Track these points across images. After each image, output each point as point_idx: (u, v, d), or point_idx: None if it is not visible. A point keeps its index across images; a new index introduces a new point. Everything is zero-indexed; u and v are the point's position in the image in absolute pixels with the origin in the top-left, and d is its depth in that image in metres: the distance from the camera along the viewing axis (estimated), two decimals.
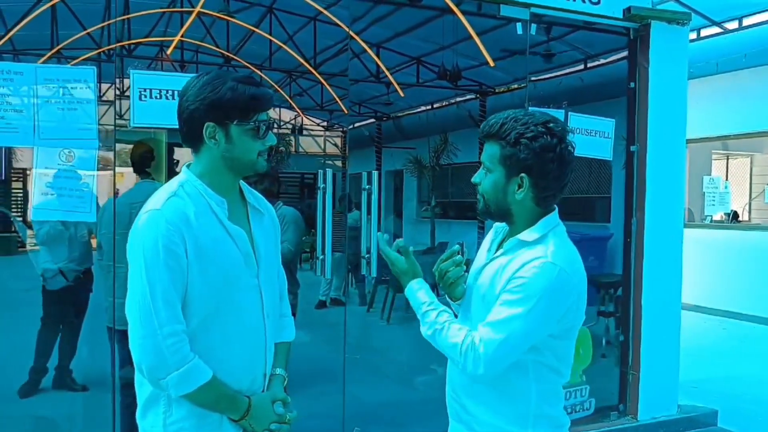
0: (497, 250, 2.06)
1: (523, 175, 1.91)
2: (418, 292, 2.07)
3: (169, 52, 10.63)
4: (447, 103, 14.55)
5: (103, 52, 8.48)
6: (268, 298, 2.05)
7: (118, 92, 6.09)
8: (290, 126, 18.57)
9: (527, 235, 1.95)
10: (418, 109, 15.68)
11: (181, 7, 10.36)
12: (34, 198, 3.29)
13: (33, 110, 3.25)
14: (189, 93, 1.92)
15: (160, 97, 3.38)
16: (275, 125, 2.05)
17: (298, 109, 16.28)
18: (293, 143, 18.42)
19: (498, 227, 2.14)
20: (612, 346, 5.67)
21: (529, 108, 4.25)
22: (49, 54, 7.25)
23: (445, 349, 1.98)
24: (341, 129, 19.32)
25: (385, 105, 14.86)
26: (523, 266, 1.88)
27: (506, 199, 1.96)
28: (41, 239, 4.72)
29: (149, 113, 3.35)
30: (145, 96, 3.34)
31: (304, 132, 19.02)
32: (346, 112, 13.71)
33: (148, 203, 1.92)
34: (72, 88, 3.32)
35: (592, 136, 4.52)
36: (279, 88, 14.05)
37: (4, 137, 3.23)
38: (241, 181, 2.06)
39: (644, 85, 4.75)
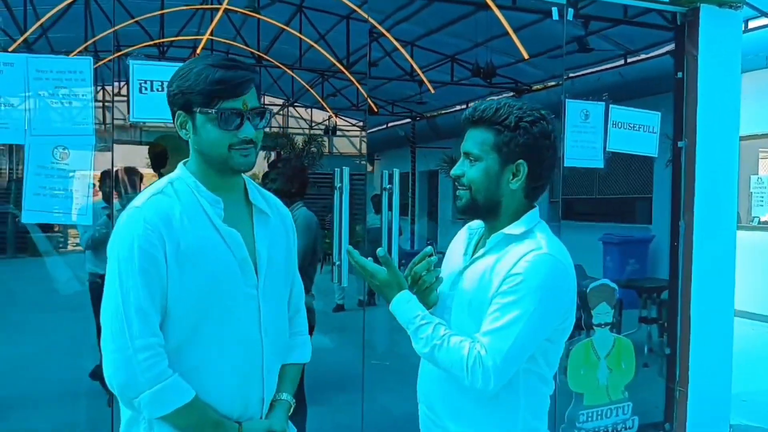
0: (475, 251, 1.92)
1: (520, 161, 1.81)
2: (407, 304, 1.82)
3: (198, 51, 10.51)
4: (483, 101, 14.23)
5: (130, 52, 8.35)
6: (270, 311, 1.79)
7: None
8: (323, 126, 18.51)
9: (513, 228, 1.83)
10: (453, 108, 15.44)
11: (212, 9, 10.21)
12: (26, 199, 3.06)
13: (25, 104, 3.03)
14: (171, 79, 1.75)
15: (162, 90, 3.16)
16: (258, 115, 1.77)
17: (329, 110, 16.10)
18: (327, 144, 18.33)
19: (471, 228, 1.97)
20: (655, 354, 5.32)
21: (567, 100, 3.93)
22: (76, 51, 7.11)
23: (447, 366, 1.75)
24: (363, 129, 19.19)
25: (418, 104, 14.62)
26: (517, 263, 1.75)
27: (499, 189, 1.83)
28: (86, 244, 4.63)
29: (150, 107, 3.13)
30: (146, 88, 3.12)
31: (338, 132, 18.89)
32: (376, 110, 13.47)
33: (132, 201, 1.72)
34: (67, 80, 3.10)
35: (635, 130, 4.16)
36: (310, 88, 13.88)
37: None
38: (248, 178, 1.84)
39: (693, 74, 4.36)
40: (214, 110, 1.67)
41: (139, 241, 1.63)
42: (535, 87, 12.10)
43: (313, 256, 3.65)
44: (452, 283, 1.90)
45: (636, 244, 9.32)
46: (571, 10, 3.88)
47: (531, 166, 1.81)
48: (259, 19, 10.21)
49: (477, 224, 1.98)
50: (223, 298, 1.71)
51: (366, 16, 8.95)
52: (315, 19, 10.59)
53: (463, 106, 14.91)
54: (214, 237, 1.71)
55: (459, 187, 1.86)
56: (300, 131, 18.75)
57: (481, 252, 1.87)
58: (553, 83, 11.11)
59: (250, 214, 1.82)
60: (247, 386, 1.76)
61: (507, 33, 8.73)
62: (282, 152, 16.63)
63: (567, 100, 3.94)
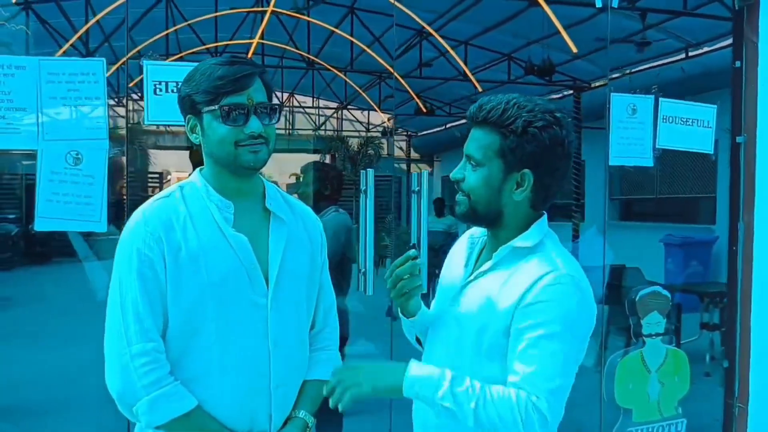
0: (476, 262, 1.73)
1: (525, 171, 1.61)
2: (423, 369, 1.57)
3: (249, 55, 10.56)
4: None
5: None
6: (282, 322, 1.70)
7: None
8: (381, 129, 18.51)
9: (522, 241, 1.64)
10: None
11: (263, 13, 10.22)
12: (39, 206, 2.99)
13: (37, 108, 2.97)
14: (180, 85, 1.73)
15: (177, 91, 3.05)
16: (267, 111, 1.71)
17: (380, 111, 16.01)
18: (385, 146, 18.32)
19: (473, 237, 1.77)
20: (717, 362, 4.97)
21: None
22: (128, 56, 7.17)
23: (495, 422, 1.50)
24: (406, 133, 19.11)
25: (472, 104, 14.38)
26: (534, 285, 1.56)
27: (500, 200, 1.64)
28: None
29: (165, 109, 3.02)
30: (160, 90, 3.02)
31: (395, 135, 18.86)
32: (425, 110, 13.29)
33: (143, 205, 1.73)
34: (80, 83, 3.02)
35: (689, 125, 3.84)
36: (362, 92, 13.81)
37: (5, 139, 2.95)
38: (269, 183, 1.78)
39: (753, 63, 4.01)
40: (217, 106, 1.63)
41: (138, 246, 1.61)
42: (594, 84, 11.75)
43: (342, 261, 3.50)
44: (452, 298, 1.71)
45: (699, 246, 8.91)
46: None
47: (538, 177, 1.61)
48: (309, 22, 10.20)
49: (479, 232, 1.79)
50: (225, 304, 1.64)
51: (415, 16, 8.82)
52: (367, 19, 10.50)
53: None
54: (220, 241, 1.65)
55: (459, 192, 1.68)
56: (356, 134, 18.75)
57: (486, 266, 1.67)
58: (614, 77, 10.74)
59: (267, 220, 1.75)
60: (252, 400, 1.67)
61: (563, 29, 8.48)
62: (336, 155, 16.66)
63: (612, 93, 3.67)
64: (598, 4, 3.65)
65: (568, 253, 1.67)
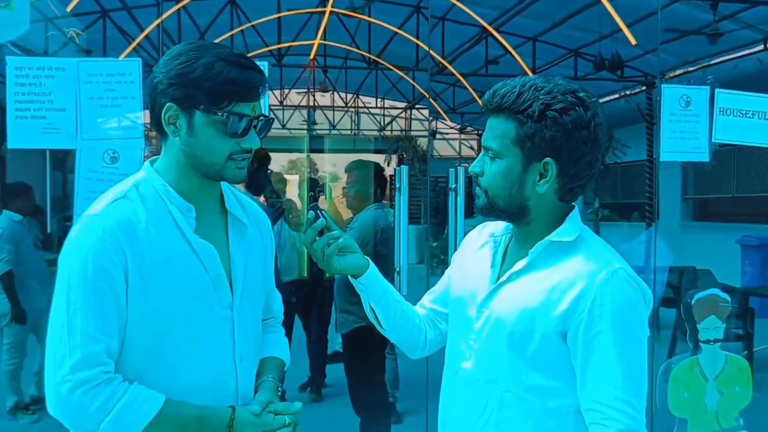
0: (503, 263, 1.57)
1: (548, 160, 1.45)
2: None
3: (311, 56, 10.66)
4: (611, 97, 13.54)
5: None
6: (244, 335, 1.57)
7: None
8: (428, 130, 18.50)
9: (561, 236, 1.48)
10: None
11: (324, 13, 10.30)
12: (77, 204, 3.06)
13: (76, 108, 3.04)
14: (160, 63, 1.49)
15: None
16: (264, 124, 1.56)
17: (441, 111, 15.89)
18: (425, 146, 18.29)
19: (495, 236, 1.61)
20: None
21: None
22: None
23: None
24: (476, 132, 18.85)
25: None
26: (590, 286, 1.42)
27: (522, 193, 1.47)
28: None
29: None
30: None
31: (437, 135, 18.71)
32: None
33: (91, 206, 1.51)
34: (117, 83, 3.08)
35: (748, 117, 3.59)
36: (425, 92, 13.74)
37: (46, 138, 3.03)
38: (224, 183, 1.61)
39: None
40: (222, 113, 1.46)
41: (94, 255, 1.40)
42: (669, 75, 11.30)
43: (375, 258, 3.43)
44: (481, 301, 1.55)
45: None
46: None
47: (562, 165, 1.45)
48: (370, 22, 10.20)
49: (503, 229, 1.63)
50: (192, 320, 1.49)
51: (474, 14, 8.71)
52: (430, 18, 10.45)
53: None
54: (185, 250, 1.49)
55: (477, 186, 1.54)
56: (423, 133, 18.69)
57: (521, 265, 1.51)
58: (687, 70, 10.30)
59: (224, 223, 1.59)
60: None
61: (633, 23, 8.21)
62: (404, 155, 16.63)
63: (663, 85, 3.47)
64: None
65: (611, 247, 1.54)
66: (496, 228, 1.65)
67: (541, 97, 1.43)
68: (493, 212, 1.53)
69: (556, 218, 1.51)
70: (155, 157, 1.60)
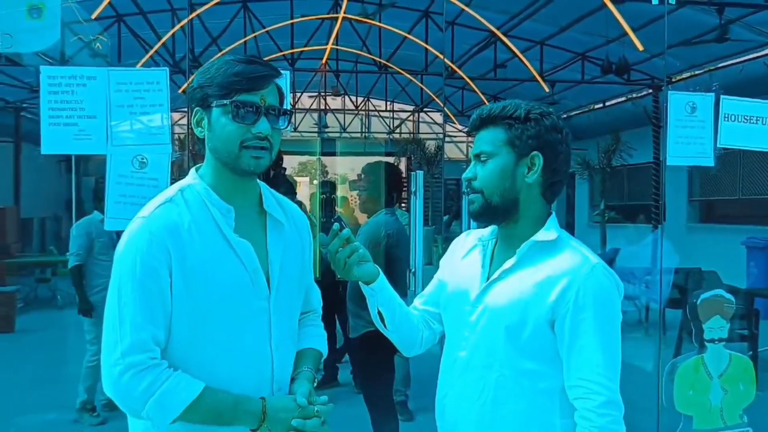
0: (492, 262, 1.78)
1: (535, 153, 1.71)
2: None
3: (324, 60, 10.78)
4: (618, 100, 13.62)
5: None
6: (281, 325, 1.70)
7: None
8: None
9: (544, 235, 1.72)
10: (587, 108, 14.86)
11: (337, 19, 10.43)
12: (108, 208, 3.20)
13: (106, 116, 3.17)
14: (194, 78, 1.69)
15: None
16: (277, 115, 1.68)
17: (451, 115, 15.97)
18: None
19: (483, 239, 1.82)
20: None
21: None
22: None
23: None
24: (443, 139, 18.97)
25: (550, 105, 14.17)
26: (574, 279, 1.64)
27: (515, 185, 1.72)
28: None
29: None
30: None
31: (447, 138, 18.80)
32: None
33: (140, 210, 1.65)
34: (145, 91, 3.20)
35: (752, 123, 3.70)
36: (435, 96, 13.83)
37: (78, 144, 3.16)
38: (263, 184, 1.75)
39: None
40: (229, 102, 1.60)
41: (142, 255, 1.55)
42: (676, 79, 11.38)
43: (389, 263, 3.48)
44: (475, 298, 1.75)
45: None
46: None
47: (546, 157, 1.71)
48: (380, 27, 10.31)
49: (489, 233, 1.84)
50: (232, 312, 1.62)
51: (482, 19, 8.80)
52: (440, 22, 10.54)
53: (599, 105, 14.37)
54: (225, 249, 1.62)
55: (471, 192, 1.74)
56: (434, 136, 18.78)
57: (510, 263, 1.71)
58: (692, 73, 10.38)
59: (263, 222, 1.72)
60: None
61: (640, 27, 8.29)
62: (412, 157, 16.73)
63: (669, 91, 3.58)
64: (654, 1, 3.57)
65: (586, 246, 1.76)
66: (482, 233, 1.85)
67: (522, 106, 1.72)
68: (488, 212, 1.73)
69: (538, 219, 1.74)
70: (200, 164, 1.75)
